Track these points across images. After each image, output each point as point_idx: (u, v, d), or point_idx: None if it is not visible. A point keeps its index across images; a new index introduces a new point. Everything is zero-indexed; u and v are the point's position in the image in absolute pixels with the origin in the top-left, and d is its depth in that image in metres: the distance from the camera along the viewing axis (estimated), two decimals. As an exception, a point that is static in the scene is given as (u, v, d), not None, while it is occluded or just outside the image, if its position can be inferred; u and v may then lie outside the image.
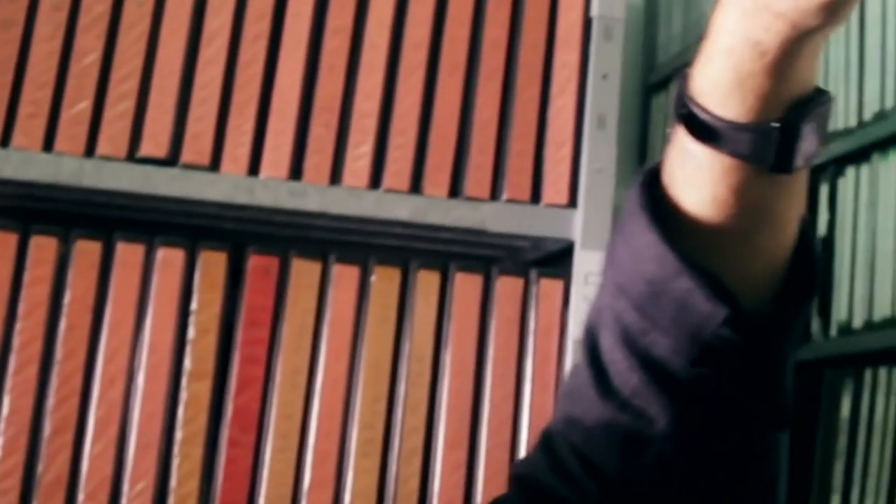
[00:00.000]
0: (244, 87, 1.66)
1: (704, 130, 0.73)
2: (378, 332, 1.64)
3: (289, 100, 1.67)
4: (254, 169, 1.65)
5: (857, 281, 2.58)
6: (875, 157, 2.57)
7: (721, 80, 0.72)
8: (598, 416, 0.78)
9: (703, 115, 0.73)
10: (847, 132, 2.66)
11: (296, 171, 1.65)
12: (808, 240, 0.79)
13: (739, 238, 0.75)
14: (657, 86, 3.29)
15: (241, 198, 1.63)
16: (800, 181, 0.76)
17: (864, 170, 2.60)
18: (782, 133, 0.72)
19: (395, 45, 1.70)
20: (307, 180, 1.65)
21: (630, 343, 0.77)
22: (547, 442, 0.82)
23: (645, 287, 0.76)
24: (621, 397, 0.77)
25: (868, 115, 2.60)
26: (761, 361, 0.77)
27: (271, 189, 1.64)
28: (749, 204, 0.74)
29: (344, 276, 1.64)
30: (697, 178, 0.74)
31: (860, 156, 2.62)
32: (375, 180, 1.67)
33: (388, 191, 1.66)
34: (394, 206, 1.66)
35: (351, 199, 1.65)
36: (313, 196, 1.65)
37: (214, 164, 1.64)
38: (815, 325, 2.66)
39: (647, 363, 0.76)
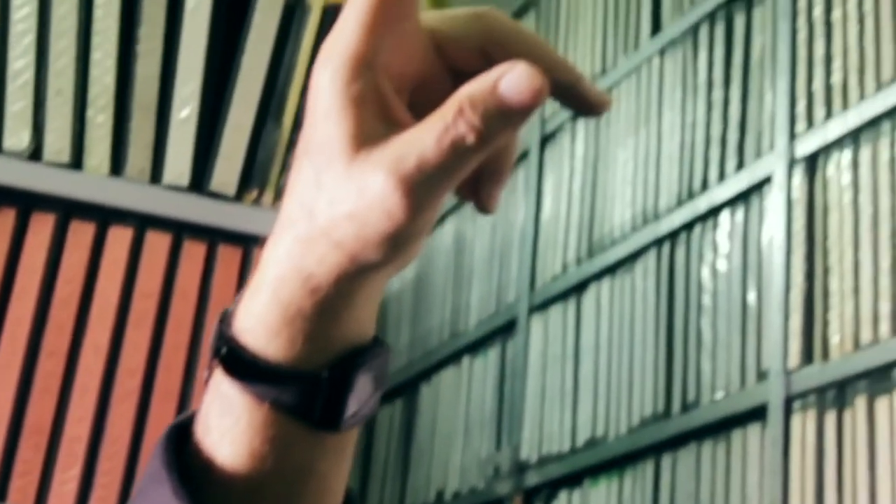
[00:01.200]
0: (-47, 407, 1.65)
1: (244, 373, 0.63)
2: None
3: (-2, 421, 1.66)
4: (-44, 491, 1.63)
5: None
6: (587, 483, 2.66)
7: (267, 316, 0.62)
8: None
9: (244, 356, 0.63)
10: (560, 457, 2.76)
11: (0, 494, 1.64)
12: None
13: (280, 501, 0.64)
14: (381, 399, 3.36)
15: (-61, 520, 1.61)
16: (349, 439, 0.66)
17: (577, 494, 2.69)
18: (332, 384, 0.62)
19: (109, 370, 1.72)
20: (11, 503, 1.64)
21: None
22: None
23: None
24: None
25: (581, 440, 2.70)
26: None
27: (-29, 512, 1.62)
28: (290, 462, 0.64)
29: None
30: (235, 430, 0.63)
31: (572, 480, 2.71)
32: (81, 505, 1.66)
33: (94, 516, 1.66)
34: (98, 531, 1.65)
35: (54, 524, 1.64)
36: (15, 520, 1.63)
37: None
38: None
39: None
